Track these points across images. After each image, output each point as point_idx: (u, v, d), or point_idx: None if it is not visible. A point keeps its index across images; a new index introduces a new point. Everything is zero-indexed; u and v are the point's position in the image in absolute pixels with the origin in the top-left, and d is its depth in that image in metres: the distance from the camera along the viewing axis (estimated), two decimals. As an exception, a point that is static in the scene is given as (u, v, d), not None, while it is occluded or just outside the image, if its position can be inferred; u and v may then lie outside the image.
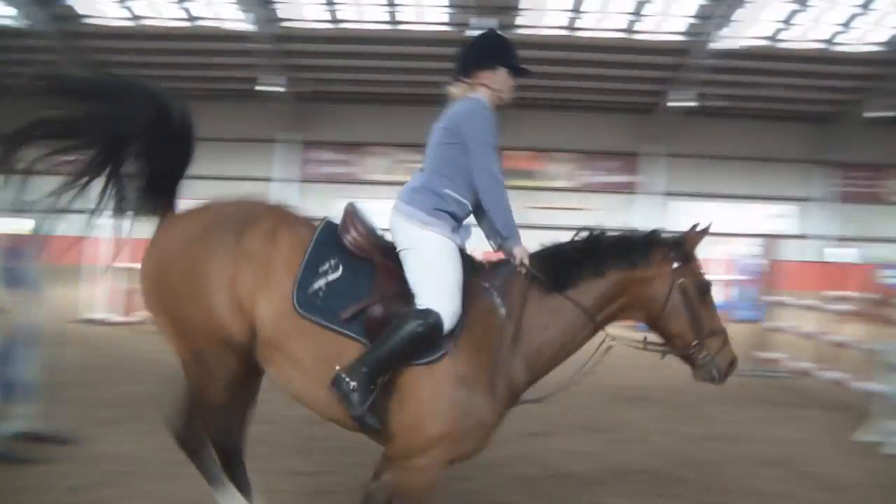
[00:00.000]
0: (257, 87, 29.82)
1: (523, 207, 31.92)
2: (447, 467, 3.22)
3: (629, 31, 27.49)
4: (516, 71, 3.54)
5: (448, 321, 3.17)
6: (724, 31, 27.09)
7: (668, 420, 7.21)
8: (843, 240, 33.83)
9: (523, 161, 32.42)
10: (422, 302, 3.18)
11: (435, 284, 3.20)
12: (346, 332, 3.19)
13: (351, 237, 3.34)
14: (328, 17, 27.41)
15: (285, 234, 3.32)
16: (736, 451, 6.24)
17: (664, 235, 3.49)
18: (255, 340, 3.27)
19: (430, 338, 3.12)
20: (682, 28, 27.37)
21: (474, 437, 3.19)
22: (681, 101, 29.96)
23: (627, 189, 33.26)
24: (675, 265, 3.41)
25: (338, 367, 3.12)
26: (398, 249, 3.33)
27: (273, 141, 32.69)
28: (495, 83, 3.50)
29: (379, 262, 3.31)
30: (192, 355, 3.31)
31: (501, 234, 3.37)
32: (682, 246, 3.44)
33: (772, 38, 27.73)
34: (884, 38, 27.63)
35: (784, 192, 34.31)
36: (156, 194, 3.48)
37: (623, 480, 5.31)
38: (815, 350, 9.70)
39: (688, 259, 3.44)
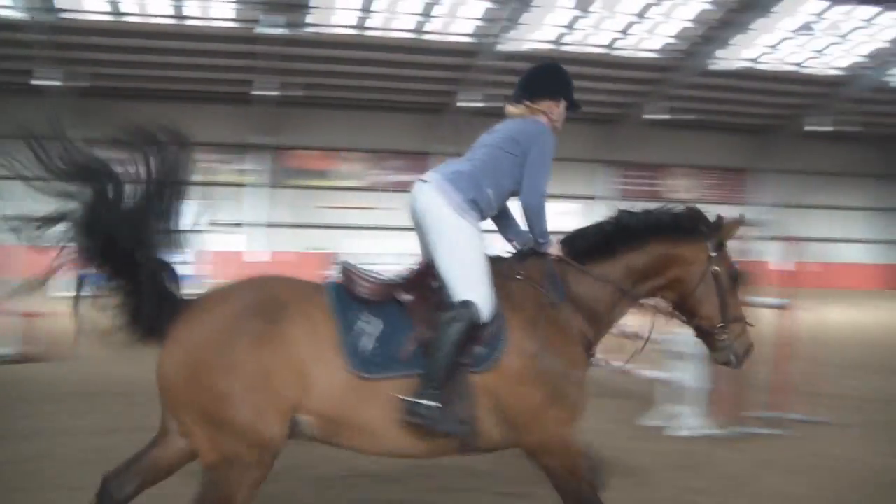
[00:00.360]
0: (32, 81, 27.34)
1: (315, 207, 31.65)
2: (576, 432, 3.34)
3: (418, 31, 27.79)
4: (573, 105, 3.82)
5: (485, 309, 3.24)
6: (511, 35, 28.09)
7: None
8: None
9: (314, 160, 32.15)
10: (457, 293, 3.26)
11: (469, 274, 3.28)
12: (412, 371, 3.17)
13: (365, 288, 3.30)
14: (109, 8, 25.58)
15: (311, 310, 3.20)
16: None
17: (702, 212, 3.67)
18: (307, 428, 3.14)
19: (474, 329, 3.20)
20: (470, 30, 28.08)
21: (580, 398, 3.34)
22: (469, 101, 30.70)
23: (418, 189, 33.66)
24: (713, 253, 3.58)
25: (402, 398, 3.11)
26: (427, 228, 3.39)
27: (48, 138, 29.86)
28: (555, 114, 3.76)
29: (401, 298, 3.30)
30: (224, 460, 3.03)
31: (539, 242, 3.54)
32: (719, 232, 3.61)
33: (556, 42, 29.13)
34: (658, 45, 29.93)
35: (571, 191, 36.30)
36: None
37: (426, 476, 5.21)
38: (603, 341, 10.05)
39: (722, 246, 3.60)
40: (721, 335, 3.57)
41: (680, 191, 37.48)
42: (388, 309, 3.28)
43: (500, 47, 28.41)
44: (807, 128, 35.48)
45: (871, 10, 27.76)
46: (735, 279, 3.62)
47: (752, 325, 3.68)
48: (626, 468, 5.57)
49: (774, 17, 28.03)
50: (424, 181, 3.44)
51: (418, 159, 33.06)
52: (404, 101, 32.13)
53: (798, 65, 31.62)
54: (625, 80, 32.10)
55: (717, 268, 3.58)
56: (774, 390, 7.11)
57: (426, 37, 28.02)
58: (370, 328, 3.21)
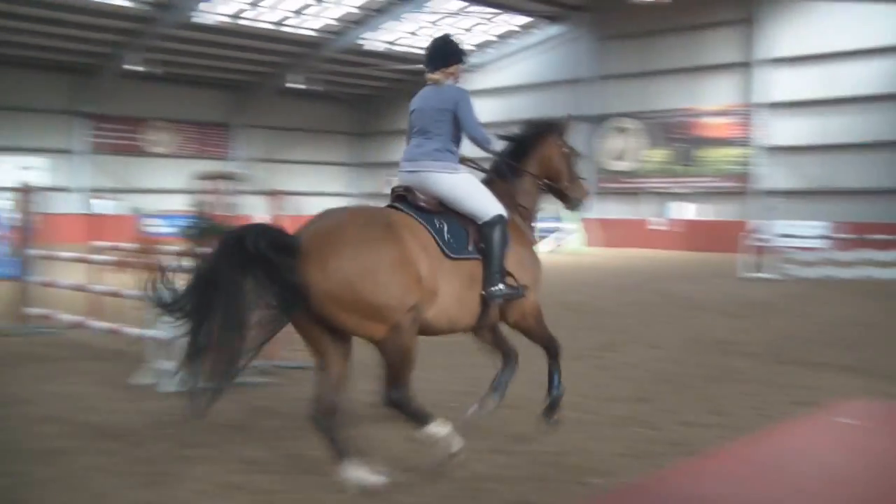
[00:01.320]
0: None
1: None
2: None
3: None
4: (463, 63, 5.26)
5: (506, 215, 5.02)
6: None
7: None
8: (104, 191, 34.70)
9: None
10: (488, 212, 4.92)
11: (487, 199, 5.01)
12: (475, 256, 4.83)
13: (424, 202, 4.89)
14: None
15: (404, 219, 4.69)
16: (15, 413, 5.99)
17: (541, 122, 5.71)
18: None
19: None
20: None
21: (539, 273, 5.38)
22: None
23: None
24: (559, 141, 5.61)
25: (483, 291, 4.84)
26: (442, 193, 4.91)
27: None
28: (459, 73, 5.18)
29: (444, 210, 4.91)
30: (392, 331, 4.34)
31: (487, 146, 5.22)
32: (565, 127, 5.70)
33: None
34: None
35: (45, 144, 33.44)
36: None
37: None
38: (85, 302, 9.78)
39: (563, 134, 5.66)
40: (571, 191, 5.63)
41: (159, 145, 37.05)
42: (444, 215, 4.88)
43: None
44: (287, 85, 37.57)
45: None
46: (573, 154, 5.69)
47: (585, 179, 5.85)
48: (119, 430, 5.60)
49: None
50: (419, 170, 4.98)
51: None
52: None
53: (277, 23, 33.37)
54: (101, 28, 30.45)
55: (565, 149, 5.62)
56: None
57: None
58: (443, 227, 4.79)
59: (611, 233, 32.74)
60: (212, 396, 4.14)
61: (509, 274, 4.95)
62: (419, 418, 4.60)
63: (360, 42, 35.98)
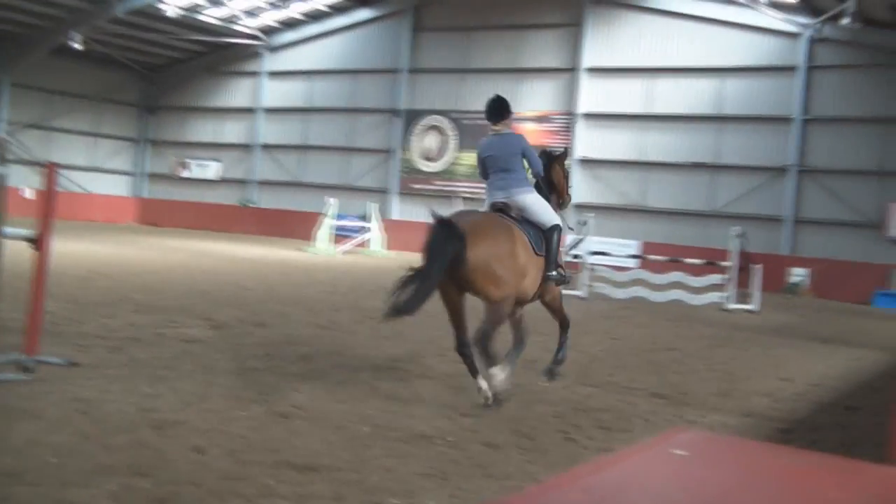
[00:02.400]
0: None
1: None
2: None
3: None
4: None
5: (560, 223, 7.96)
6: None
7: None
8: None
9: None
10: (551, 221, 7.77)
11: (549, 212, 7.84)
12: (542, 254, 7.68)
13: (515, 215, 7.73)
14: None
15: (512, 224, 7.52)
16: None
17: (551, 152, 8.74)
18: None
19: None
20: None
21: None
22: None
23: None
24: (562, 165, 8.74)
25: (553, 272, 7.77)
26: (527, 207, 7.75)
27: None
28: (511, 123, 8.09)
29: (525, 220, 7.75)
30: (503, 298, 7.13)
31: (541, 174, 8.29)
32: (564, 155, 8.87)
33: None
34: None
35: None
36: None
37: None
38: None
39: (565, 160, 8.83)
40: (564, 201, 8.61)
41: None
42: (524, 223, 7.62)
43: None
44: (67, 43, 35.05)
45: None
46: (567, 174, 8.75)
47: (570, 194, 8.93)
48: None
49: None
50: (511, 195, 7.76)
51: None
52: None
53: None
54: None
55: (565, 171, 8.71)
56: (24, 331, 6.91)
57: None
58: (529, 232, 7.54)
59: (416, 236, 33.10)
60: (412, 307, 6.70)
61: (560, 265, 7.90)
62: (491, 359, 7.10)
63: (160, 7, 34.26)
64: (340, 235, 30.56)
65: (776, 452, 2.60)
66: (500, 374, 7.12)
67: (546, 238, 7.73)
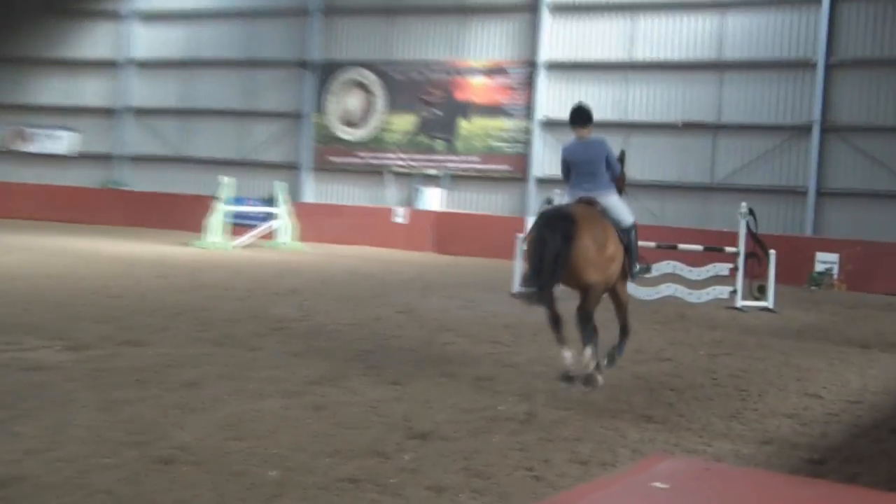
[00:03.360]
0: None
1: None
2: None
3: None
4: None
5: (635, 221, 10.89)
6: None
7: None
8: None
9: None
10: (629, 220, 10.52)
11: (627, 211, 10.64)
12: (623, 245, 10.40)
13: (601, 211, 10.28)
14: None
15: (606, 219, 10.21)
16: None
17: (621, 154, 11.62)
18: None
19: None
20: None
21: None
22: None
23: None
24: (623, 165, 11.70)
25: (637, 266, 10.76)
26: (611, 208, 10.35)
27: None
28: (592, 128, 10.78)
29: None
30: (598, 283, 9.85)
31: (618, 176, 11.09)
32: (623, 157, 11.70)
33: None
34: None
35: None
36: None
37: None
38: None
39: (624, 161, 11.74)
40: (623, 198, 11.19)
41: None
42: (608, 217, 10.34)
43: None
44: None
45: None
46: (625, 176, 11.63)
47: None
48: None
49: None
50: (597, 196, 10.30)
51: None
52: None
53: None
54: None
55: (624, 170, 11.61)
56: None
57: None
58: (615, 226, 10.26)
59: (336, 223, 32.91)
60: (540, 296, 9.63)
61: (641, 257, 10.90)
62: (588, 337, 9.81)
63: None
64: (240, 225, 30.31)
65: (789, 484, 2.62)
66: (589, 352, 9.87)
67: (626, 234, 10.42)
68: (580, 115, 10.67)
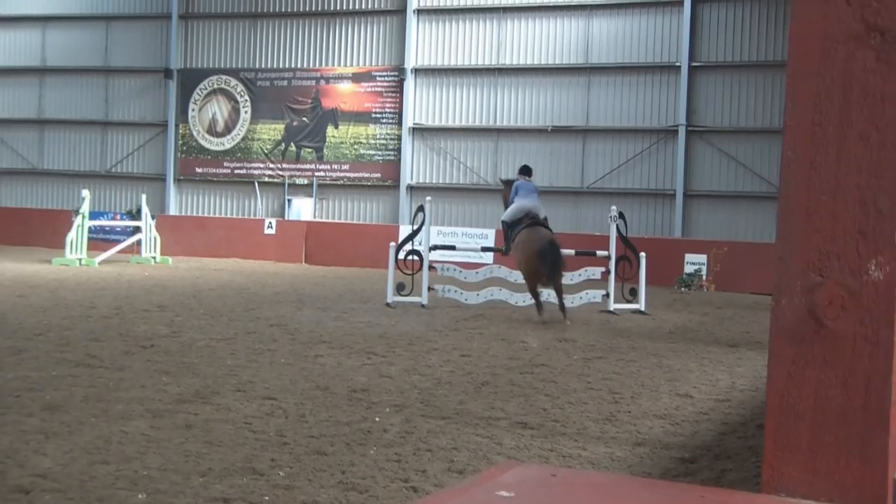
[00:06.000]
0: None
1: None
2: None
3: None
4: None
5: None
6: None
7: None
8: None
9: None
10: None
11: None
12: None
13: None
14: None
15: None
16: None
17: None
18: None
19: None
20: None
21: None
22: None
23: None
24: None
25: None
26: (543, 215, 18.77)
27: None
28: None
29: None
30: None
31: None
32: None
33: None
34: None
35: None
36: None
37: None
38: None
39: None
40: None
41: None
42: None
43: None
44: None
45: None
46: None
47: None
48: None
49: None
50: (537, 206, 18.53)
51: None
52: None
53: None
54: None
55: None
56: None
57: None
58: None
59: (205, 236, 32.54)
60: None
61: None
62: (562, 305, 17.50)
63: None
64: (103, 240, 29.69)
65: (633, 486, 2.69)
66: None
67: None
68: (528, 170, 19.30)
